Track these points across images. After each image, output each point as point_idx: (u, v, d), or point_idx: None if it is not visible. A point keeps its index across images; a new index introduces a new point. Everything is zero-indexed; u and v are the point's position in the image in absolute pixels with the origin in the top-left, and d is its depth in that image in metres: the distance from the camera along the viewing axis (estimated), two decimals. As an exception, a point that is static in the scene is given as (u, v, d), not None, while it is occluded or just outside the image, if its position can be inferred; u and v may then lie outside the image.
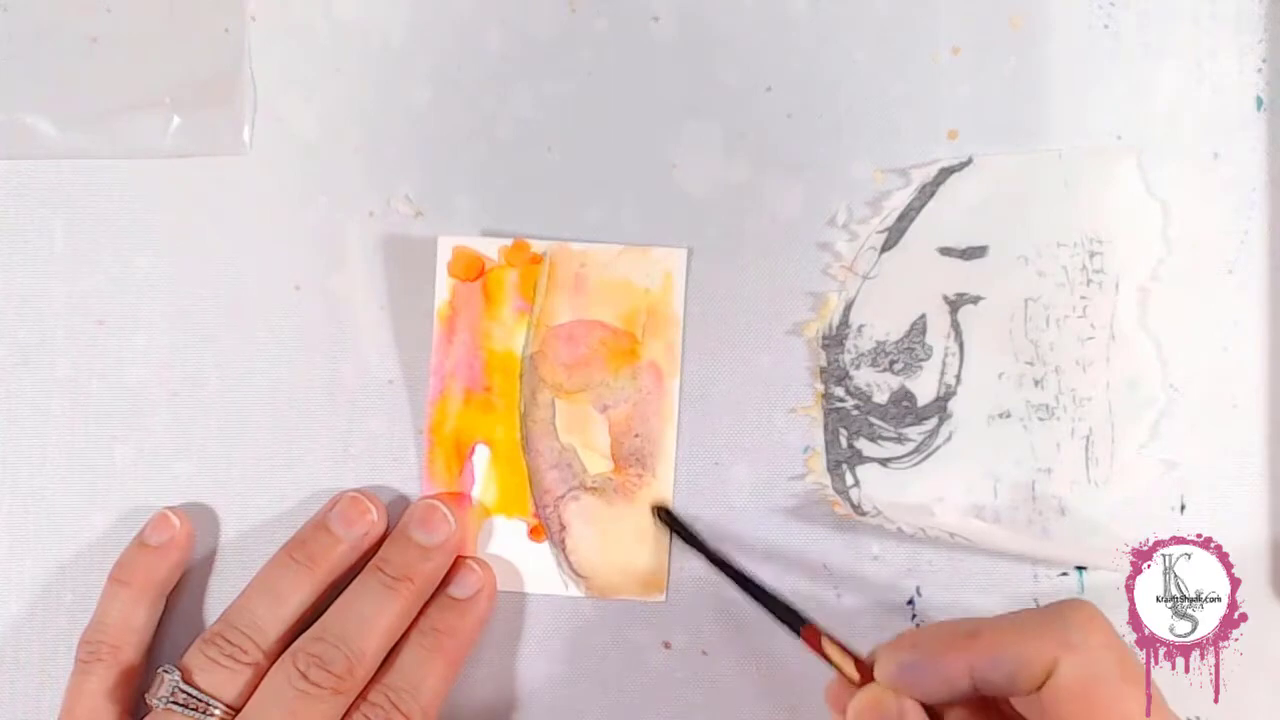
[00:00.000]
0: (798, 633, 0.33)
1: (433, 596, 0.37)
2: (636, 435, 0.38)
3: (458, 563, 0.37)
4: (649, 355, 0.38)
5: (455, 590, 0.37)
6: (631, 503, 0.38)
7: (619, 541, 0.38)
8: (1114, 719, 0.26)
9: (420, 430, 0.38)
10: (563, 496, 0.38)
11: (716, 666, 0.38)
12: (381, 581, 0.36)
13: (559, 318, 0.38)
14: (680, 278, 0.38)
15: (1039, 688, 0.28)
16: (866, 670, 0.31)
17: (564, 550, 0.38)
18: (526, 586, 0.38)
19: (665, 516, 0.37)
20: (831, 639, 0.32)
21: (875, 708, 0.29)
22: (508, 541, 0.38)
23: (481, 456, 0.38)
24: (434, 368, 0.38)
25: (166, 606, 0.38)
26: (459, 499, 0.38)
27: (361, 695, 0.35)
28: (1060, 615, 0.28)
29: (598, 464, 0.38)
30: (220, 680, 0.34)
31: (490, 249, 0.38)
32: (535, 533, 0.38)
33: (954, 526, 0.37)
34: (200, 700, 0.34)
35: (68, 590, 0.39)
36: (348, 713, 0.34)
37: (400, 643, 0.36)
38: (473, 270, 0.38)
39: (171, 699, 0.34)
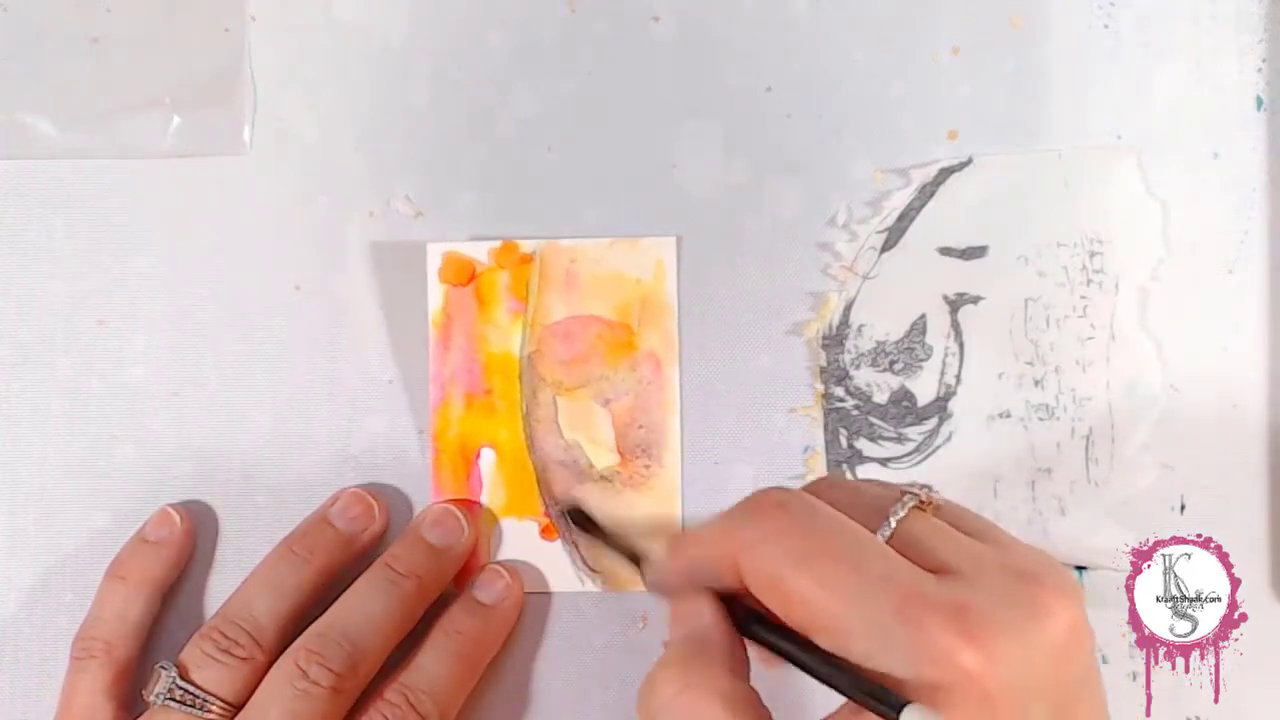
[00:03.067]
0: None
1: (458, 600, 0.37)
2: (640, 426, 0.38)
3: (486, 568, 0.37)
4: (646, 346, 0.38)
5: (481, 594, 0.37)
6: (641, 494, 0.38)
7: (631, 534, 0.38)
8: (799, 610, 0.25)
9: (420, 430, 0.38)
10: (572, 493, 0.38)
11: (716, 666, 0.38)
12: (389, 579, 0.36)
13: (553, 315, 0.38)
14: (671, 266, 0.38)
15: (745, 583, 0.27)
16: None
17: (577, 547, 0.38)
18: (547, 586, 0.38)
19: (578, 517, 0.37)
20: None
21: (675, 610, 0.28)
22: (520, 543, 0.38)
23: (487, 460, 0.38)
24: (433, 375, 0.38)
25: (165, 604, 0.38)
26: (468, 505, 0.38)
27: (378, 694, 0.35)
28: (738, 512, 0.27)
29: (604, 458, 0.38)
30: (218, 676, 0.34)
31: (480, 252, 0.38)
32: (547, 532, 0.38)
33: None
34: (197, 697, 0.34)
35: (67, 589, 0.39)
36: (362, 710, 0.34)
37: (420, 643, 0.36)
38: (464, 275, 0.38)
39: (169, 695, 0.34)
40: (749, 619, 0.27)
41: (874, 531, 0.26)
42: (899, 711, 0.23)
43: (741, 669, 0.27)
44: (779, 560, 0.25)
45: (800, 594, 0.25)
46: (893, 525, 0.26)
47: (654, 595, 0.30)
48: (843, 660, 0.25)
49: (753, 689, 0.26)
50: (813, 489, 0.28)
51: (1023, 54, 0.38)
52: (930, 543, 0.26)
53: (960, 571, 0.25)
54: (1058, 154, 0.38)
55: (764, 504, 0.27)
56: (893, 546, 0.25)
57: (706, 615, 0.27)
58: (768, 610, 0.27)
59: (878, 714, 0.24)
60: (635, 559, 0.32)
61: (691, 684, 0.26)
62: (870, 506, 0.27)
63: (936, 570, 0.25)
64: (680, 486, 0.38)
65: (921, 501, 0.27)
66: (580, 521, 0.36)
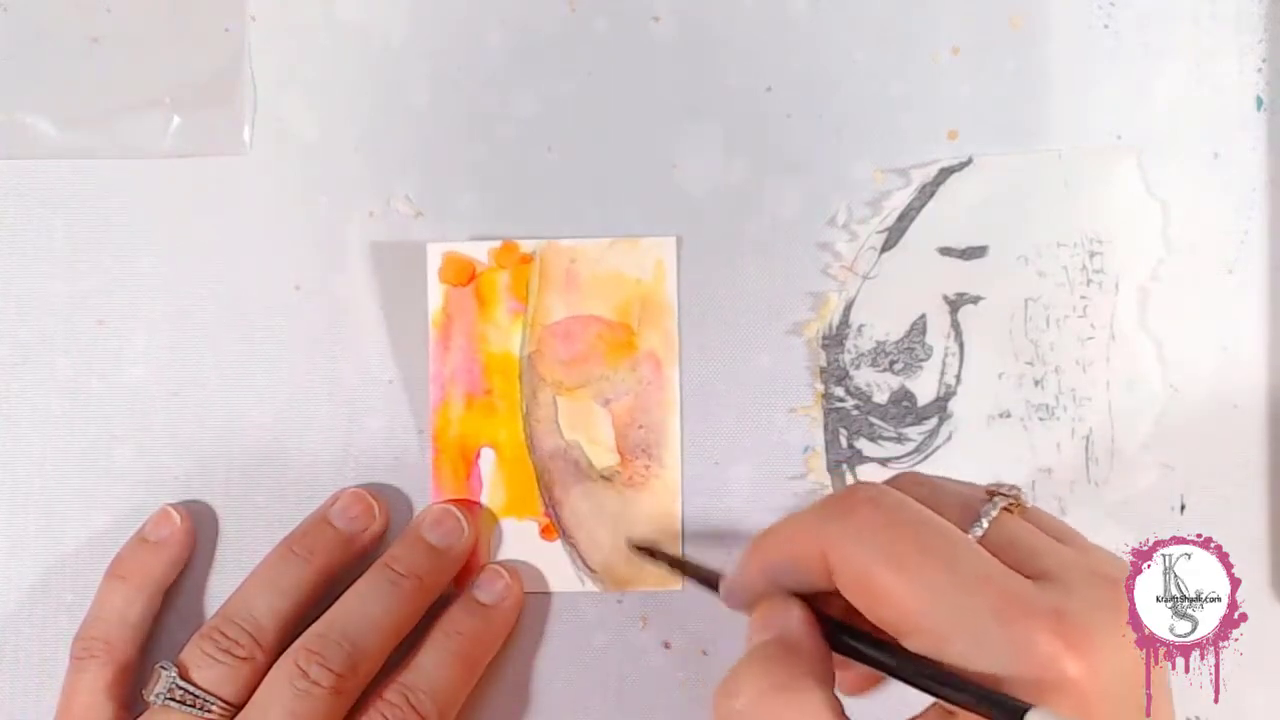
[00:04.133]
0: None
1: (458, 600, 0.37)
2: (640, 426, 0.38)
3: (486, 568, 0.37)
4: (646, 346, 0.38)
5: (481, 595, 0.37)
6: (641, 494, 0.38)
7: (631, 533, 0.38)
8: (891, 609, 0.24)
9: (420, 430, 0.38)
10: (571, 493, 0.38)
11: (716, 666, 0.38)
12: (389, 579, 0.36)
13: (553, 315, 0.38)
14: (671, 266, 0.38)
15: (833, 582, 0.26)
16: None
17: (577, 547, 0.38)
18: (547, 586, 0.38)
19: (641, 549, 0.37)
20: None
21: (759, 614, 0.27)
22: (521, 543, 0.38)
23: (487, 460, 0.38)
24: (433, 375, 0.38)
25: (165, 604, 0.38)
26: (468, 505, 0.38)
27: (377, 693, 0.35)
28: (826, 508, 0.26)
29: (604, 458, 0.38)
30: (218, 676, 0.34)
31: (479, 252, 0.38)
32: (547, 532, 0.38)
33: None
34: (197, 697, 0.34)
35: (67, 589, 0.39)
36: (362, 710, 0.34)
37: (420, 643, 0.36)
38: (463, 275, 0.38)
39: (169, 695, 0.34)
40: (835, 626, 0.27)
41: (964, 530, 0.25)
42: (1021, 716, 0.22)
43: (829, 677, 0.26)
44: (871, 557, 0.25)
45: (893, 593, 0.24)
46: (985, 526, 0.26)
47: (731, 607, 0.29)
48: (934, 663, 0.24)
49: (837, 697, 0.26)
50: (897, 485, 0.27)
51: (1023, 54, 0.38)
52: (1022, 545, 0.25)
53: (1053, 575, 0.24)
54: (1058, 154, 0.38)
55: (854, 499, 0.26)
56: (983, 546, 0.25)
57: (794, 619, 0.27)
58: (852, 615, 0.26)
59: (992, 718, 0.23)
60: (712, 581, 0.31)
61: (779, 685, 0.25)
62: (958, 505, 0.26)
63: (1029, 574, 0.24)
64: (680, 486, 0.38)
65: (1011, 502, 0.26)
66: (650, 553, 0.36)
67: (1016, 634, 0.23)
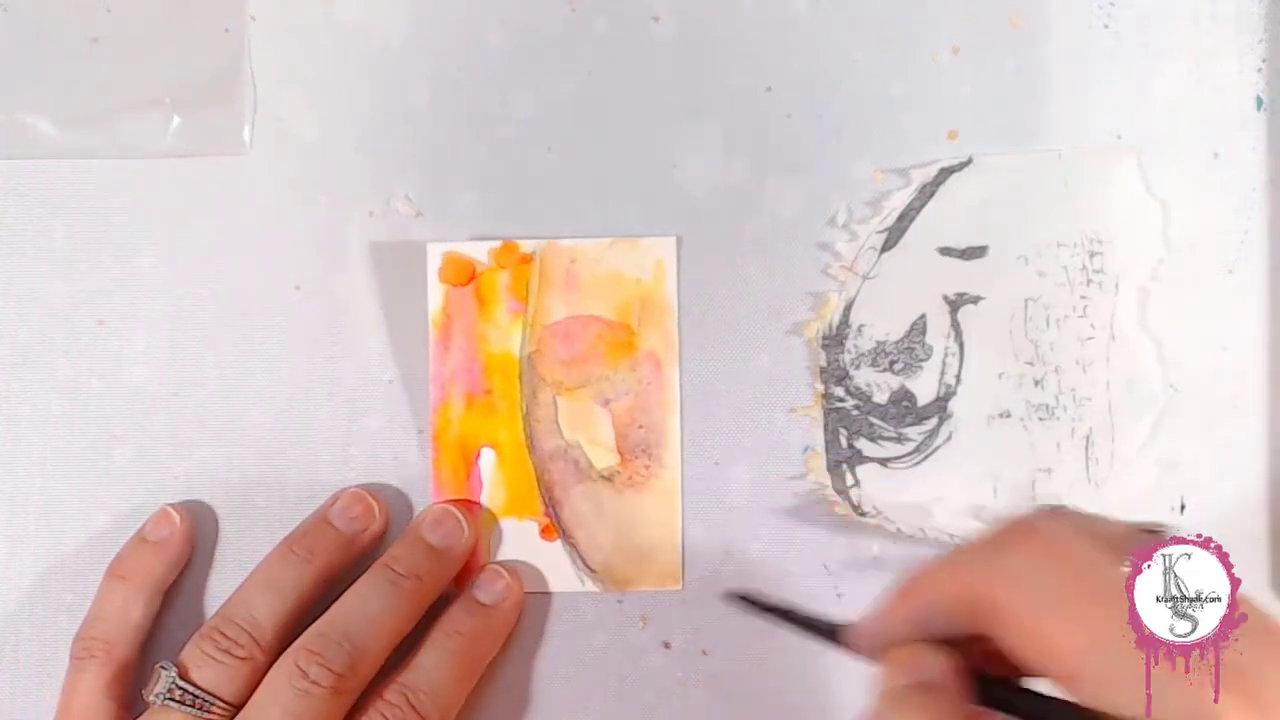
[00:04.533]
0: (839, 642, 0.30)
1: (458, 600, 0.37)
2: (640, 426, 0.38)
3: (486, 568, 0.37)
4: (646, 346, 0.38)
5: (481, 595, 0.37)
6: (641, 494, 0.38)
7: (631, 534, 0.38)
8: (1063, 650, 0.23)
9: (420, 430, 0.38)
10: (571, 493, 0.38)
11: (716, 666, 0.38)
12: (389, 578, 0.36)
13: (553, 315, 0.38)
14: (671, 266, 0.38)
15: (993, 625, 0.25)
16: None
17: (577, 547, 0.38)
18: (547, 586, 0.38)
19: (741, 600, 0.36)
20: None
21: (893, 658, 0.27)
22: (520, 543, 0.38)
23: (487, 460, 0.38)
24: (433, 375, 0.38)
25: (165, 604, 0.38)
26: (468, 505, 0.38)
27: (377, 693, 0.35)
28: (988, 548, 0.26)
29: (604, 458, 0.38)
30: (217, 676, 0.34)
31: (480, 252, 0.38)
32: (547, 532, 0.38)
33: (953, 528, 0.37)
34: (197, 697, 0.34)
35: (67, 589, 0.39)
36: (362, 710, 0.34)
37: (420, 643, 0.36)
38: (464, 275, 0.38)
39: (169, 695, 0.34)
40: (986, 677, 0.26)
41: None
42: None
43: None
44: (1045, 601, 0.24)
45: (1066, 640, 0.24)
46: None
47: (862, 653, 0.28)
48: (1090, 712, 0.23)
49: None
50: (1051, 518, 0.26)
51: (1023, 54, 0.38)
52: None
53: None
54: (1058, 154, 0.38)
55: (1018, 534, 0.25)
56: None
57: (939, 666, 0.26)
58: (988, 664, 0.26)
59: None
60: (822, 629, 0.30)
61: None
62: (1115, 546, 0.26)
63: None
64: (680, 486, 0.38)
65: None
66: (750, 602, 0.36)
67: (1190, 685, 0.23)
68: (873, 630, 0.28)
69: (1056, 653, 0.24)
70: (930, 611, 0.26)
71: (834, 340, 0.38)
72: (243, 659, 0.34)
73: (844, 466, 0.38)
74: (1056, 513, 0.27)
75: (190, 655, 0.35)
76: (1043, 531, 0.25)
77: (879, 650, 0.27)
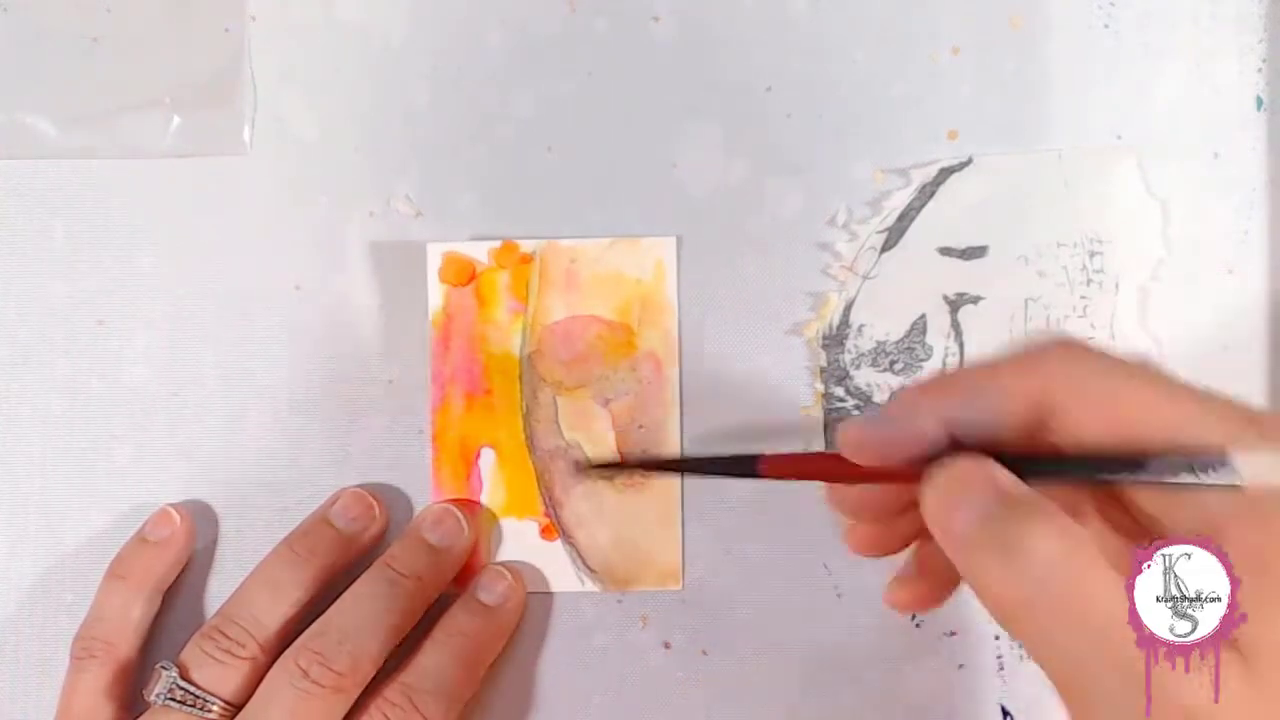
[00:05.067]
0: (757, 473, 0.30)
1: (459, 601, 0.37)
2: (640, 426, 0.38)
3: (488, 569, 0.37)
4: (646, 345, 0.38)
5: (483, 595, 0.37)
6: (641, 494, 0.38)
7: (631, 534, 0.38)
8: (1137, 427, 0.24)
9: (420, 430, 0.38)
10: (572, 493, 0.38)
11: (716, 666, 0.38)
12: (389, 579, 0.36)
13: (553, 315, 0.38)
14: (671, 265, 0.38)
15: (1033, 429, 0.25)
16: (845, 461, 0.27)
17: (577, 547, 0.38)
18: (547, 586, 0.38)
19: (595, 467, 0.37)
20: (791, 457, 0.30)
21: (962, 481, 0.25)
22: (520, 543, 0.38)
23: (487, 460, 0.38)
24: (433, 375, 0.38)
25: (165, 604, 0.38)
26: (468, 505, 0.38)
27: (378, 693, 0.35)
28: (1039, 348, 0.25)
29: (604, 458, 0.38)
30: (218, 676, 0.34)
31: (480, 252, 0.38)
32: (547, 532, 0.38)
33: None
34: (198, 696, 0.34)
35: (67, 589, 0.39)
36: (363, 710, 0.34)
37: (422, 643, 0.36)
38: (464, 275, 0.38)
39: (169, 695, 0.34)
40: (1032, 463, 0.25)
41: None
42: (1226, 462, 0.22)
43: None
44: (1116, 377, 0.24)
45: (1143, 407, 0.24)
46: None
47: (862, 460, 0.27)
48: (1143, 450, 0.24)
49: None
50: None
51: (1023, 54, 0.38)
52: None
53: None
54: (1058, 154, 0.38)
55: (1057, 340, 0.25)
56: None
57: (1003, 472, 0.25)
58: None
59: (1208, 481, 0.23)
60: (670, 464, 0.31)
61: (1068, 530, 0.23)
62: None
63: None
64: (680, 486, 0.38)
65: None
66: (599, 468, 0.36)
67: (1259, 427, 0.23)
68: (890, 431, 0.26)
69: (1129, 418, 0.24)
70: (969, 411, 0.25)
71: (834, 340, 0.38)
72: (243, 659, 0.34)
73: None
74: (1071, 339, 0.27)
75: (191, 655, 0.35)
76: (1074, 340, 0.25)
77: (895, 456, 0.26)
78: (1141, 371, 0.25)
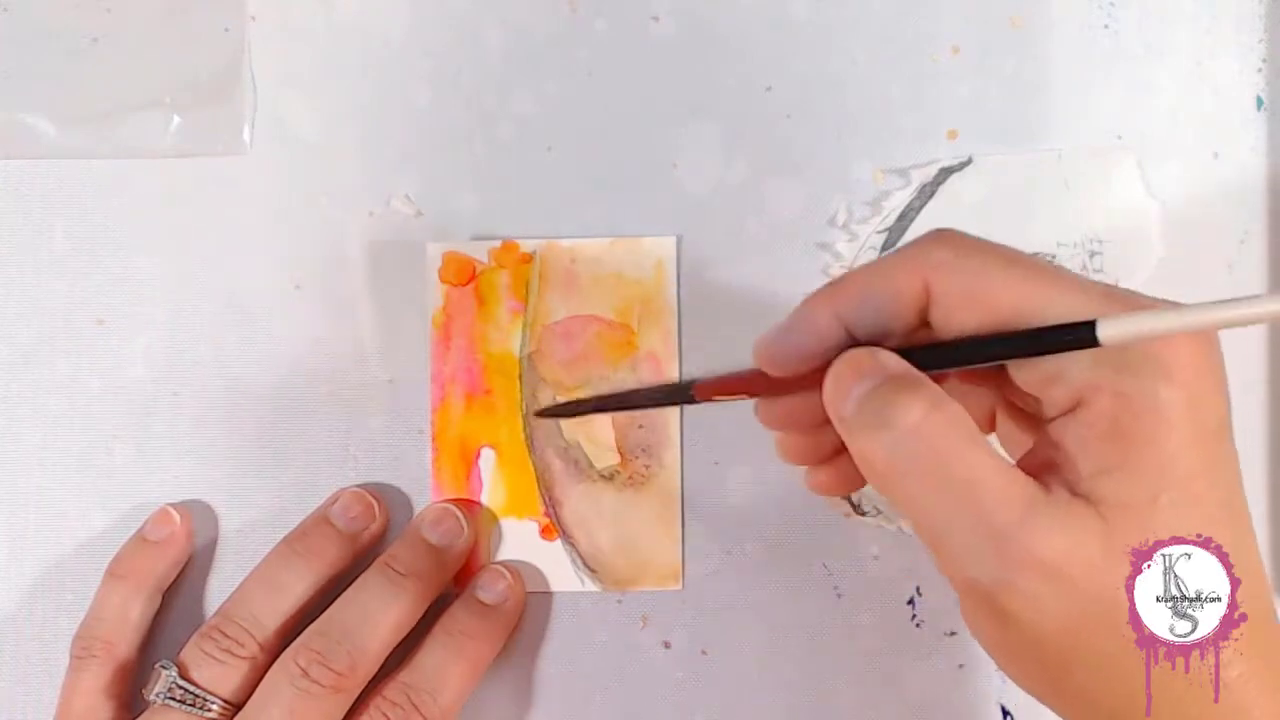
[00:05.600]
0: (692, 399, 0.31)
1: (459, 600, 0.37)
2: (640, 426, 0.38)
3: (488, 568, 0.37)
4: (646, 346, 0.38)
5: (483, 594, 0.37)
6: (641, 494, 0.38)
7: (631, 533, 0.38)
8: (1006, 310, 0.25)
9: (420, 430, 0.38)
10: (571, 493, 0.38)
11: (716, 666, 0.38)
12: (389, 578, 0.36)
13: (553, 315, 0.38)
14: (671, 266, 0.38)
15: (919, 323, 0.27)
16: (764, 375, 0.29)
17: (577, 547, 0.38)
18: (547, 586, 0.38)
19: (546, 412, 0.37)
20: (718, 379, 0.31)
21: (851, 366, 0.26)
22: (520, 543, 0.38)
23: (487, 460, 0.38)
24: (433, 375, 0.38)
25: (165, 604, 0.38)
26: (468, 505, 0.38)
27: (377, 692, 0.35)
28: (919, 245, 0.27)
29: (604, 458, 0.38)
30: (218, 675, 0.34)
31: (480, 252, 0.38)
32: (547, 532, 0.38)
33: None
34: (198, 696, 0.34)
35: (68, 589, 0.39)
36: (363, 709, 0.34)
37: (422, 642, 0.36)
38: (464, 275, 0.38)
39: (169, 695, 0.34)
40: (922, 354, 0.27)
41: None
42: (1093, 329, 0.24)
43: None
44: (986, 266, 0.26)
45: (1010, 290, 0.25)
46: None
47: (774, 368, 0.28)
48: (1028, 331, 0.25)
49: None
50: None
51: (1023, 54, 0.38)
52: None
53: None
54: (1058, 154, 0.38)
55: (934, 235, 0.27)
56: None
57: (892, 359, 0.26)
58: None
59: (1076, 345, 0.24)
60: (669, 391, 0.33)
61: (938, 401, 0.25)
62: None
63: None
64: (680, 486, 0.38)
65: None
66: (554, 412, 0.36)
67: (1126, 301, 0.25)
68: (790, 337, 0.28)
69: (1005, 305, 0.25)
70: (861, 309, 0.27)
71: (834, 340, 0.38)
72: (243, 658, 0.34)
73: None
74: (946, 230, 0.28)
75: (190, 654, 0.35)
76: (951, 233, 0.27)
77: (799, 360, 0.28)
78: (1010, 255, 0.26)
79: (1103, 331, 0.24)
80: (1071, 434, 0.25)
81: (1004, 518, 0.24)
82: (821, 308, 0.27)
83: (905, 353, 0.26)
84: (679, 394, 0.32)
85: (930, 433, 0.25)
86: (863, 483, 0.30)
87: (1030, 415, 0.28)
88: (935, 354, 0.27)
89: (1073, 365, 0.25)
